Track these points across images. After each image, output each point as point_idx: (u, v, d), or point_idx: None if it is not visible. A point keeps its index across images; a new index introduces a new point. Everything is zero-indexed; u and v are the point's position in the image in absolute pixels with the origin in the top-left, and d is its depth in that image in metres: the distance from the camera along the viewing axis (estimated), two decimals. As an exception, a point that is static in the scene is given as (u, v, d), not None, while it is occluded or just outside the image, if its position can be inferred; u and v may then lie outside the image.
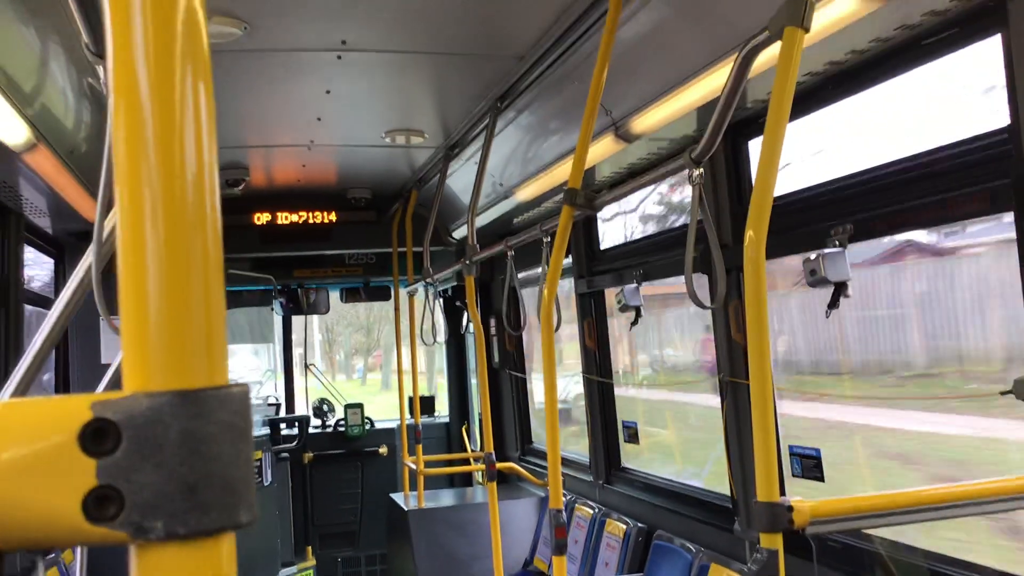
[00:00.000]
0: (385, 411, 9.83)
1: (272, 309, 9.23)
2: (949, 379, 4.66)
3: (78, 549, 3.86)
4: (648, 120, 4.00)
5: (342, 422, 9.03)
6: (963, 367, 4.54)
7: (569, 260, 6.14)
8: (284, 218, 7.87)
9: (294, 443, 8.70)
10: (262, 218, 7.81)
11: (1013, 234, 2.75)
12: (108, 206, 2.20)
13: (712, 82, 3.42)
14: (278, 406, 9.36)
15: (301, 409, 9.45)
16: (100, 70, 2.71)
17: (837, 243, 3.32)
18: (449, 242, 8.02)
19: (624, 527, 5.32)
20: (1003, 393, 2.77)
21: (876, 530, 3.46)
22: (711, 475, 5.67)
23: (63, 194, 4.72)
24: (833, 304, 3.27)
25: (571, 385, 7.70)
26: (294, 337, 9.73)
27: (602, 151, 4.44)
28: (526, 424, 8.01)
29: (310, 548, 8.68)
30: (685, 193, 4.52)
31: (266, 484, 8.03)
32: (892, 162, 3.34)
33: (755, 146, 4.20)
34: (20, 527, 0.57)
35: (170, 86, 0.58)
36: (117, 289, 0.58)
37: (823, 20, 2.80)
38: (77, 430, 0.57)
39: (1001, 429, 4.12)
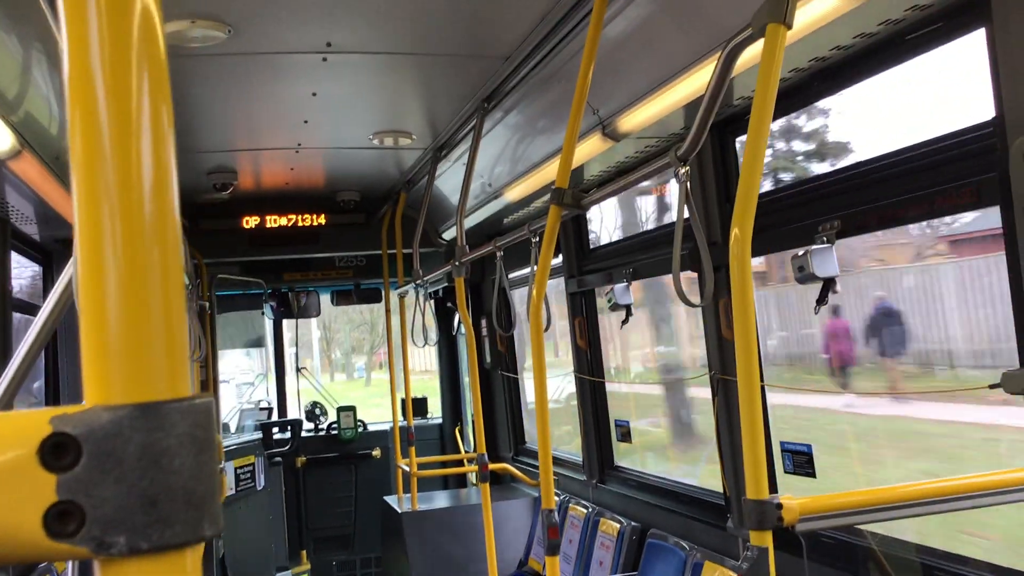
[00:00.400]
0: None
1: (263, 313, 9.21)
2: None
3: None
4: (635, 119, 3.99)
5: (335, 425, 9.01)
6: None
7: (559, 259, 6.14)
8: (273, 221, 7.85)
9: (287, 447, 8.67)
10: (251, 222, 7.79)
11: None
12: None
13: (698, 80, 3.42)
14: (270, 410, 9.34)
15: (294, 412, 9.43)
16: None
17: (825, 239, 3.33)
18: (439, 243, 8.01)
19: (618, 526, 5.31)
20: (992, 387, 2.77)
21: (867, 525, 3.46)
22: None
23: (49, 200, 4.69)
24: (821, 300, 3.27)
25: (566, 384, 7.71)
26: (288, 336, 9.72)
27: (590, 150, 4.44)
28: (519, 424, 8.01)
29: (304, 552, 8.66)
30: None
31: (259, 489, 8.00)
32: (879, 157, 3.34)
33: (743, 143, 4.20)
34: None
35: (126, 96, 0.57)
36: None
37: (807, 16, 2.80)
38: (36, 445, 0.56)
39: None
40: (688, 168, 2.71)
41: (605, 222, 6.50)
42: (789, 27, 2.15)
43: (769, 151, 3.85)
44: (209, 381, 7.65)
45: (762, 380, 3.89)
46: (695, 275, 4.44)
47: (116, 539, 0.55)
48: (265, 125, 5.48)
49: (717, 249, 4.07)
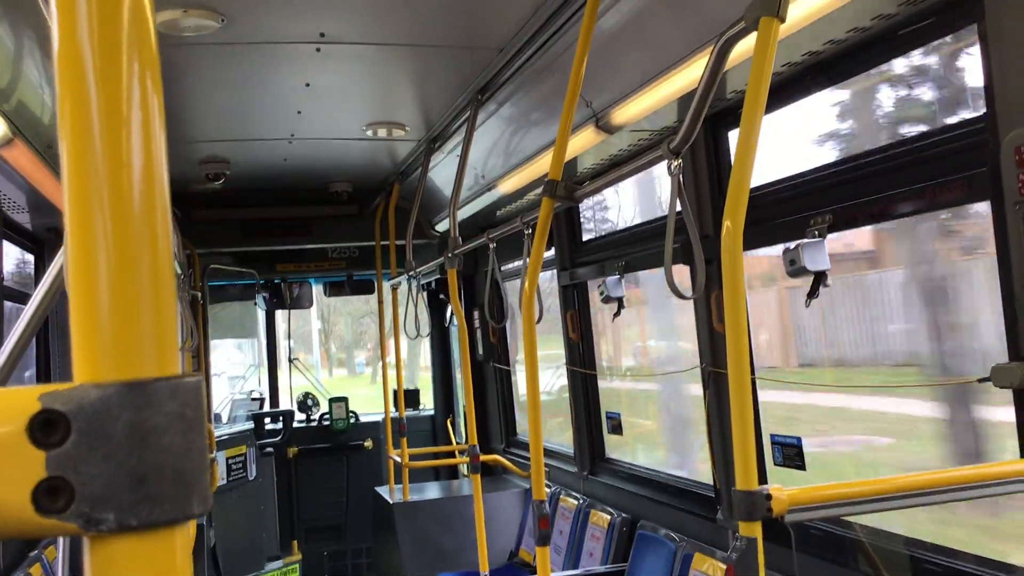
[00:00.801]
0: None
1: (255, 303, 9.20)
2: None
3: (60, 544, 3.84)
4: (628, 111, 4.00)
5: (326, 416, 9.01)
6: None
7: (552, 252, 6.15)
8: (266, 212, 7.84)
9: (278, 438, 8.68)
10: (244, 212, 7.78)
11: None
12: None
13: (691, 73, 3.42)
14: (262, 400, 9.34)
15: (286, 403, 9.43)
16: None
17: (816, 233, 3.34)
18: (432, 235, 8.01)
19: (608, 518, 5.33)
20: (980, 380, 2.79)
21: (856, 517, 3.48)
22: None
23: (41, 189, 4.68)
24: (812, 294, 3.28)
25: (557, 376, 7.72)
26: (282, 327, 9.71)
27: (583, 143, 4.44)
28: (511, 416, 8.02)
29: (296, 542, 8.68)
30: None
31: (250, 479, 8.01)
32: (870, 151, 3.36)
33: (735, 136, 4.21)
34: None
35: (117, 79, 0.58)
36: None
37: (800, 10, 2.81)
38: (26, 421, 0.56)
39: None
40: (680, 161, 2.72)
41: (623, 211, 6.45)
42: (782, 20, 2.16)
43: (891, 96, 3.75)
44: (201, 371, 7.64)
45: (753, 373, 3.91)
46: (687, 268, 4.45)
47: (105, 516, 0.56)
48: (258, 115, 5.47)
49: (709, 242, 4.08)
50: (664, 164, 2.77)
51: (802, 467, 3.76)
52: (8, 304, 5.35)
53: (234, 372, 10.65)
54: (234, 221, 7.77)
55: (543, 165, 4.93)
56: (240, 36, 3.95)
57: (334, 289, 9.26)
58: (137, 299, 0.57)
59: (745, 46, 2.42)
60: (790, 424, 5.19)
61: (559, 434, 7.40)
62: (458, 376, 9.03)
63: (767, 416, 4.36)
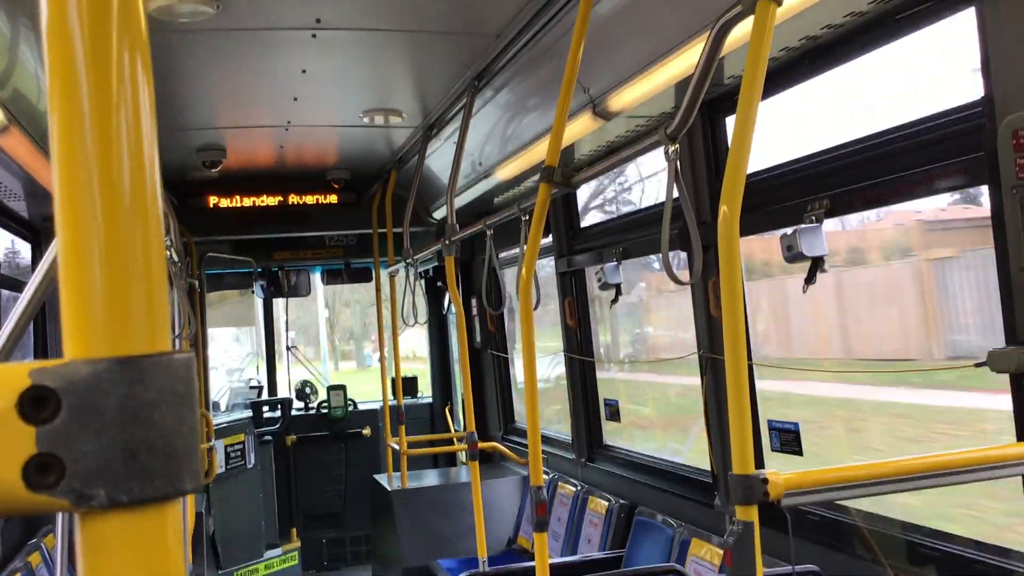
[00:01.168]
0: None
1: (253, 292, 9.20)
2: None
3: (59, 532, 3.85)
4: (625, 97, 3.99)
5: (325, 404, 9.02)
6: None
7: (550, 239, 6.14)
8: (263, 200, 7.82)
9: (277, 426, 8.69)
10: (241, 200, 7.76)
11: None
12: None
13: (688, 58, 3.41)
14: (260, 389, 9.35)
15: (284, 391, 9.44)
16: None
17: (814, 218, 3.34)
18: (429, 222, 8.00)
19: (606, 504, 5.35)
20: (977, 365, 2.79)
21: (852, 501, 3.49)
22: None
23: (38, 177, 4.67)
24: (810, 279, 3.28)
25: (556, 363, 7.72)
26: (282, 317, 9.70)
27: (580, 129, 4.43)
28: (508, 403, 8.03)
29: (295, 530, 8.69)
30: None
31: (249, 467, 8.02)
32: (868, 136, 3.35)
33: (733, 122, 4.20)
34: None
35: (107, 62, 0.57)
36: None
37: (797, -6, 2.80)
38: (15, 398, 0.56)
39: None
40: (677, 147, 2.71)
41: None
42: (779, 3, 2.15)
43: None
44: (199, 359, 7.64)
45: (750, 359, 3.91)
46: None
47: (96, 491, 0.56)
48: (254, 102, 5.46)
49: (706, 228, 4.07)
50: (661, 150, 2.76)
51: (799, 452, 3.77)
52: (4, 292, 5.34)
53: (233, 365, 10.66)
54: (231, 209, 7.75)
55: (540, 152, 4.92)
56: (236, 22, 3.93)
57: (332, 277, 9.26)
58: (127, 276, 0.57)
59: (742, 31, 2.41)
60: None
61: (558, 422, 7.42)
62: (456, 364, 9.04)
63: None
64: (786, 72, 3.60)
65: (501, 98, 4.96)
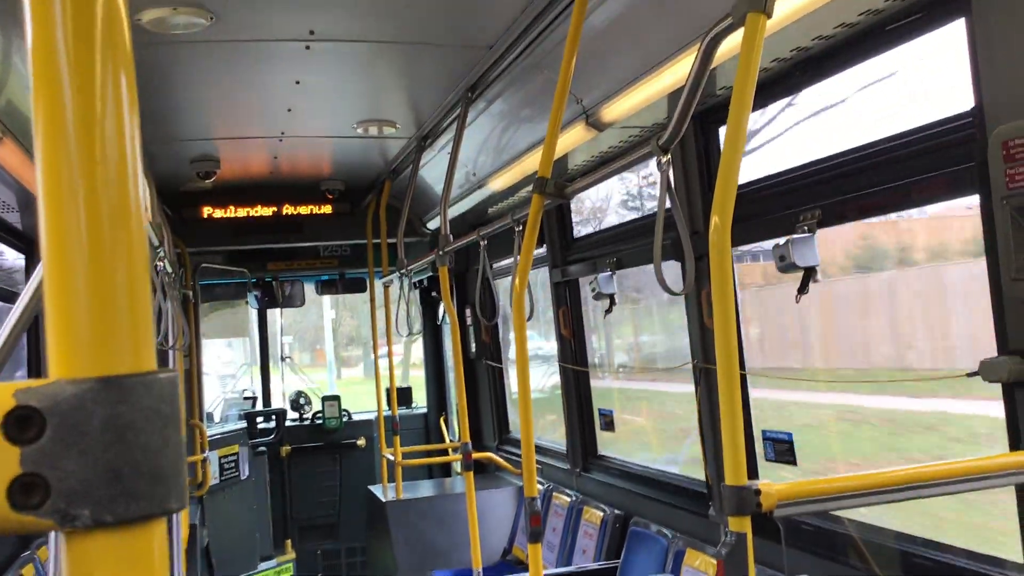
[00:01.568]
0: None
1: (247, 302, 9.18)
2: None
3: (52, 545, 3.84)
4: (618, 108, 4.00)
5: (319, 414, 9.01)
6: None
7: (544, 249, 6.15)
8: (257, 210, 7.82)
9: (271, 436, 8.66)
10: (235, 211, 7.76)
11: None
12: None
13: (680, 69, 3.42)
14: (255, 399, 9.32)
15: (278, 402, 9.42)
16: None
17: (806, 229, 3.34)
18: (423, 233, 8.00)
19: (601, 514, 5.34)
20: (970, 375, 2.80)
21: (846, 512, 3.49)
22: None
23: (31, 189, 4.67)
24: (802, 289, 3.29)
25: (550, 373, 7.72)
26: (280, 323, 9.66)
27: (573, 139, 4.44)
28: (503, 413, 8.02)
29: (289, 541, 8.66)
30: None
31: (243, 478, 8.00)
32: (859, 147, 3.36)
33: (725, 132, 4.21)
34: None
35: (90, 76, 0.57)
36: None
37: (788, 5, 2.81)
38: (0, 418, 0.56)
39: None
40: (669, 157, 2.72)
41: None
42: (769, 15, 2.16)
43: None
44: (193, 370, 7.63)
45: (743, 369, 3.92)
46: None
47: (81, 512, 0.56)
48: (248, 113, 5.46)
49: (699, 238, 4.09)
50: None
51: (793, 463, 3.77)
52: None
53: (225, 371, 10.62)
54: (225, 220, 7.75)
55: (533, 162, 4.93)
56: (229, 34, 3.94)
57: (326, 287, 9.26)
58: (112, 295, 0.57)
59: (733, 42, 2.42)
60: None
61: (552, 431, 7.41)
62: (451, 374, 9.03)
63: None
64: (777, 83, 3.62)
65: (494, 109, 4.97)
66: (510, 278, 6.35)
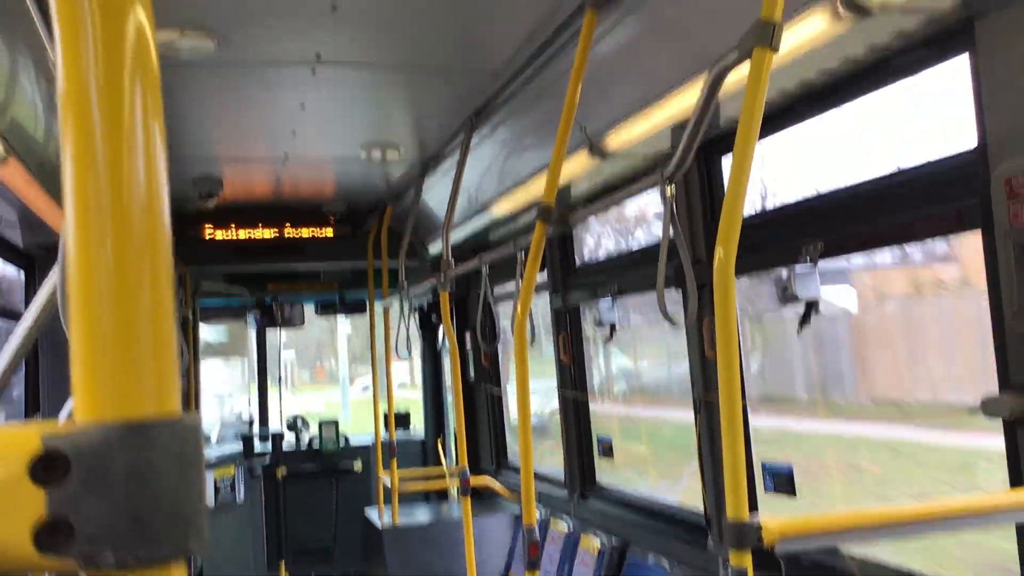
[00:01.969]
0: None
1: (246, 323, 9.17)
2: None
3: None
4: (622, 136, 4.02)
5: (316, 438, 8.97)
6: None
7: (544, 275, 6.15)
8: (259, 232, 7.83)
9: (267, 459, 8.63)
10: (237, 232, 7.77)
11: None
12: None
13: (684, 100, 3.44)
14: (251, 422, 9.30)
15: (276, 425, 9.39)
16: None
17: (808, 260, 3.35)
18: (425, 256, 8.01)
19: (599, 543, 5.31)
20: (971, 411, 2.79)
21: (848, 548, 3.47)
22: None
23: (33, 207, 4.68)
24: (804, 321, 3.29)
25: (549, 398, 7.69)
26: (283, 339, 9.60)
27: (577, 167, 4.46)
28: (501, 439, 8.00)
29: (283, 564, 8.61)
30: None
31: (239, 501, 7.96)
32: (863, 181, 3.38)
33: (729, 162, 4.23)
34: None
35: (119, 112, 0.58)
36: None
37: (794, 40, 2.83)
38: (28, 461, 0.57)
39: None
40: (674, 188, 2.73)
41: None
42: (775, 51, 2.18)
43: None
44: (191, 391, 7.61)
45: (744, 400, 3.91)
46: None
47: (104, 554, 0.56)
48: (252, 135, 5.48)
49: (701, 267, 4.09)
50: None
51: (792, 494, 3.75)
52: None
53: (222, 391, 10.58)
54: (227, 241, 7.76)
55: (537, 188, 4.95)
56: (236, 57, 3.96)
57: (326, 309, 9.25)
58: (138, 339, 0.58)
59: (738, 75, 2.44)
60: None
61: (550, 456, 7.39)
62: (449, 398, 9.01)
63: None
64: (781, 114, 3.63)
65: (499, 135, 4.99)
66: (511, 303, 6.36)
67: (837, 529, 2.16)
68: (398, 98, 4.82)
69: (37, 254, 6.08)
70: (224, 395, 10.72)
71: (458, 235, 6.46)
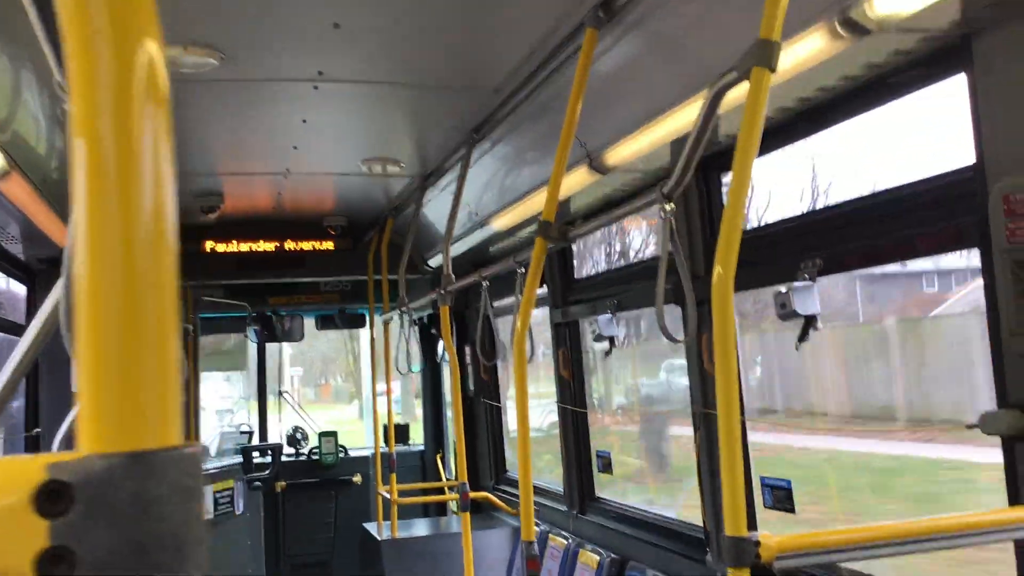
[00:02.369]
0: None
1: (246, 336, 9.18)
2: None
3: None
4: (622, 153, 4.03)
5: (315, 450, 8.96)
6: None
7: (544, 289, 6.16)
8: (259, 245, 7.84)
9: (267, 471, 8.62)
10: (237, 245, 7.78)
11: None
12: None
13: (683, 117, 3.46)
14: (251, 434, 9.29)
15: (275, 437, 9.38)
16: None
17: (807, 276, 3.36)
18: (425, 270, 8.02)
19: (597, 558, 5.30)
20: (969, 427, 2.80)
21: (846, 564, 3.47)
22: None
23: (35, 221, 4.70)
24: (802, 337, 3.30)
25: (547, 413, 7.69)
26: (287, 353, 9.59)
27: (576, 183, 4.47)
28: (500, 453, 7.99)
29: (281, 578, 8.59)
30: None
31: (238, 513, 7.94)
32: (860, 197, 3.39)
33: (727, 178, 4.24)
34: None
35: (129, 131, 0.59)
36: None
37: (792, 59, 2.84)
38: (31, 491, 0.57)
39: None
40: (673, 205, 2.75)
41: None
42: (773, 70, 2.19)
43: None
44: (190, 404, 7.61)
45: (743, 416, 3.91)
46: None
47: None
48: (254, 150, 5.50)
49: (700, 283, 4.10)
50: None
51: (791, 510, 3.75)
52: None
53: (222, 406, 10.57)
54: (228, 254, 7.77)
55: (537, 203, 4.96)
56: (239, 73, 3.98)
57: (325, 322, 9.26)
58: (144, 370, 0.59)
59: (737, 93, 2.45)
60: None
61: (550, 471, 7.38)
62: (448, 412, 9.00)
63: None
64: (780, 131, 3.65)
65: (499, 150, 5.01)
66: (510, 317, 6.36)
67: (835, 545, 2.17)
68: (399, 114, 4.85)
69: (39, 268, 6.10)
70: (223, 410, 10.71)
71: (458, 249, 6.47)
